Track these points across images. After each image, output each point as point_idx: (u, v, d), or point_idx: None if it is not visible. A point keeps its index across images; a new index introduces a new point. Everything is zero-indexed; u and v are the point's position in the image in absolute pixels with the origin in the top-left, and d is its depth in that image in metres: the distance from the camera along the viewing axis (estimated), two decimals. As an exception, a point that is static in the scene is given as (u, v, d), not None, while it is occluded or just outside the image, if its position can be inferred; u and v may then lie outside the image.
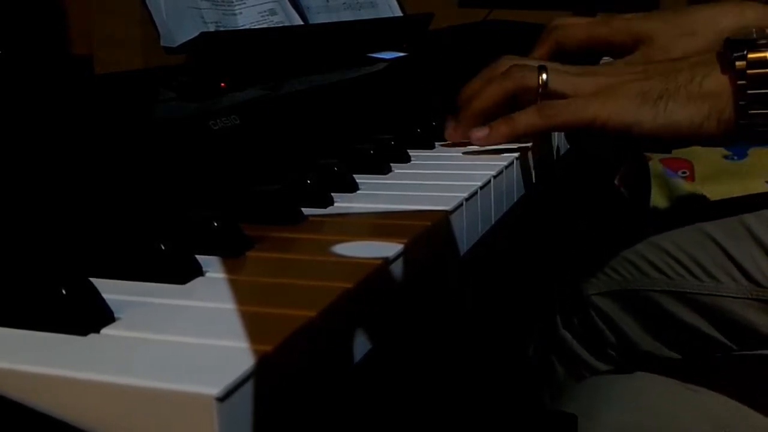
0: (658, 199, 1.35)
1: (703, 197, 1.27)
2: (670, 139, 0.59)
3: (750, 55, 0.54)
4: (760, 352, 0.68)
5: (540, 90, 0.61)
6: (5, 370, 0.27)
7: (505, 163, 0.58)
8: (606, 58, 0.85)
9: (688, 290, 0.70)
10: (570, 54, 0.81)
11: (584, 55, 0.79)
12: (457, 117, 0.65)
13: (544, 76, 0.61)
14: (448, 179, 0.55)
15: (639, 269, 0.73)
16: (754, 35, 0.56)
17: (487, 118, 0.64)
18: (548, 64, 0.63)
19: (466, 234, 0.50)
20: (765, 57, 0.54)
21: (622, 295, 0.74)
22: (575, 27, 0.79)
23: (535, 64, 0.63)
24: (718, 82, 0.56)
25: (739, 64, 0.55)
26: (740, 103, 0.55)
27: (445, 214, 0.46)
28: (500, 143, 0.62)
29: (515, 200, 0.62)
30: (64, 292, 0.30)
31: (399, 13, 1.05)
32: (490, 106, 0.63)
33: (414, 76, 0.81)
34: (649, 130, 0.57)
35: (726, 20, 0.76)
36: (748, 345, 0.68)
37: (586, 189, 1.11)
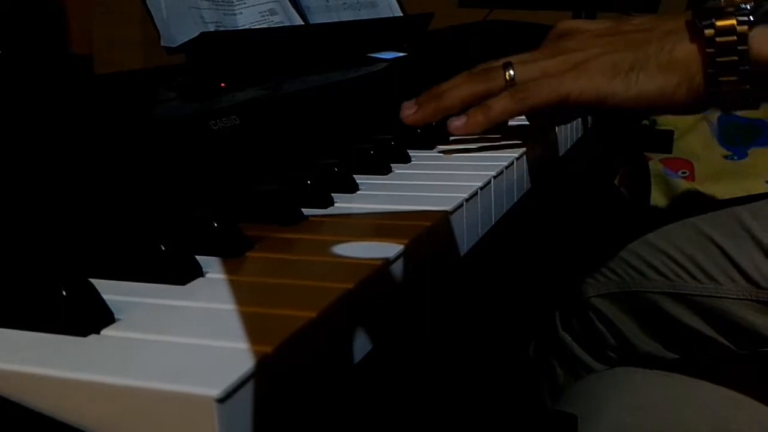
0: (657, 198, 1.35)
1: (702, 197, 1.27)
2: (644, 109, 0.59)
3: (718, 23, 0.54)
4: (760, 350, 0.68)
5: (508, 85, 0.61)
6: (5, 371, 0.27)
7: (505, 164, 0.58)
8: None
9: (687, 292, 0.70)
10: None
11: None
12: (419, 102, 0.64)
13: (511, 72, 0.61)
14: (448, 179, 0.55)
15: (638, 271, 0.73)
16: (722, 2, 0.56)
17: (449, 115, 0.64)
18: (513, 58, 0.63)
19: (466, 234, 0.50)
20: (733, 24, 0.54)
21: (622, 297, 0.74)
22: (584, 35, 0.79)
23: (500, 62, 0.63)
24: (687, 50, 0.56)
25: (707, 32, 0.55)
26: (709, 70, 0.55)
27: (446, 215, 0.46)
28: (477, 132, 0.62)
29: (515, 200, 0.62)
30: (64, 292, 0.30)
31: (399, 13, 1.05)
32: (456, 106, 0.62)
33: (414, 76, 0.81)
34: (622, 101, 0.57)
35: None
36: (748, 346, 0.68)
37: (586, 189, 1.11)
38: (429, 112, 0.63)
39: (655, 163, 1.43)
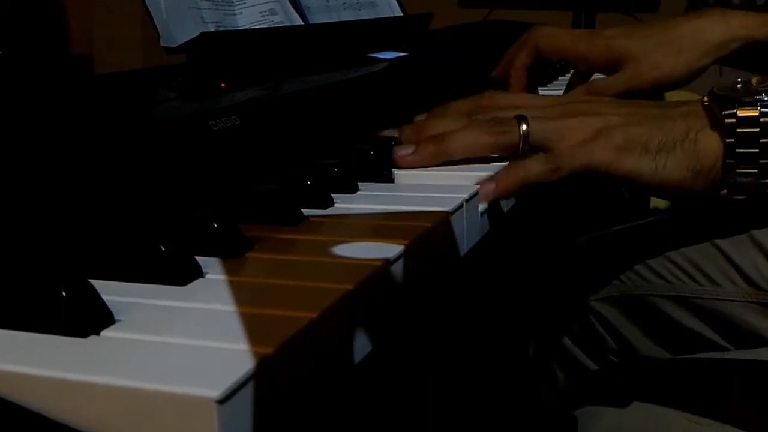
0: (658, 200, 1.35)
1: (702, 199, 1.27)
2: (662, 194, 0.58)
3: (740, 113, 0.53)
4: (755, 351, 0.68)
5: (521, 144, 0.57)
6: (5, 372, 0.27)
7: (506, 164, 0.58)
8: (597, 76, 0.84)
9: (688, 294, 0.69)
10: (546, 62, 0.81)
11: (559, 64, 0.79)
12: (410, 139, 0.60)
13: (524, 126, 0.57)
14: (448, 180, 0.55)
15: (638, 274, 0.73)
16: (739, 87, 0.55)
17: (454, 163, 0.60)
18: (528, 109, 0.60)
19: (466, 235, 0.49)
20: (755, 115, 0.53)
21: (622, 301, 0.74)
22: (556, 36, 0.79)
23: (512, 110, 0.59)
24: (710, 138, 0.55)
25: (729, 121, 0.53)
26: (728, 161, 0.54)
27: (446, 215, 0.46)
28: (509, 197, 0.57)
29: (515, 201, 0.61)
30: (64, 293, 0.30)
31: (399, 13, 1.05)
32: (459, 156, 0.58)
33: (414, 76, 0.81)
34: (646, 183, 0.56)
35: (712, 33, 0.76)
36: (749, 348, 0.68)
37: (586, 190, 1.11)
38: (430, 155, 0.58)
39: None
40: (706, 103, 0.56)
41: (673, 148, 0.55)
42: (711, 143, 0.55)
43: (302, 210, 0.46)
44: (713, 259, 0.69)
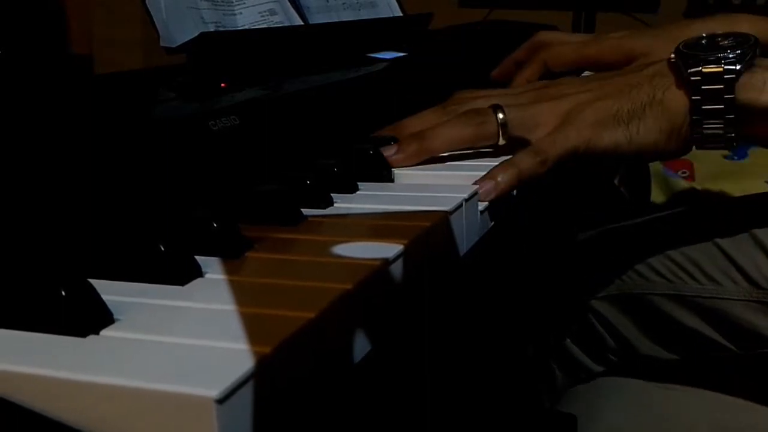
0: (658, 198, 1.35)
1: (702, 197, 1.27)
2: (642, 160, 0.59)
3: (704, 69, 0.54)
4: (760, 351, 0.68)
5: (500, 132, 0.59)
6: (5, 372, 0.27)
7: (500, 161, 0.58)
8: (586, 73, 0.85)
9: (687, 293, 0.70)
10: (557, 74, 0.81)
11: (571, 73, 0.80)
12: (400, 142, 0.60)
13: (501, 115, 0.58)
14: (447, 179, 0.55)
15: (638, 273, 0.73)
16: (704, 43, 0.56)
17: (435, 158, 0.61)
18: (500, 97, 0.61)
19: (465, 234, 0.49)
20: (720, 71, 0.54)
21: (622, 299, 0.74)
22: (564, 48, 0.80)
23: (485, 100, 0.60)
24: (675, 96, 0.56)
25: (693, 78, 0.55)
26: (694, 117, 0.55)
27: (445, 215, 0.46)
28: (507, 193, 0.57)
29: (515, 200, 0.61)
30: (63, 293, 0.30)
31: (399, 13, 1.05)
32: (442, 150, 0.59)
33: (414, 76, 0.81)
34: (625, 153, 0.58)
35: None
36: (750, 347, 0.68)
37: (586, 189, 1.11)
38: (412, 154, 0.58)
39: (656, 163, 1.43)
40: (673, 60, 0.57)
41: (643, 113, 0.57)
42: (678, 101, 0.56)
43: (302, 210, 0.46)
44: (714, 258, 0.69)
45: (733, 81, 0.54)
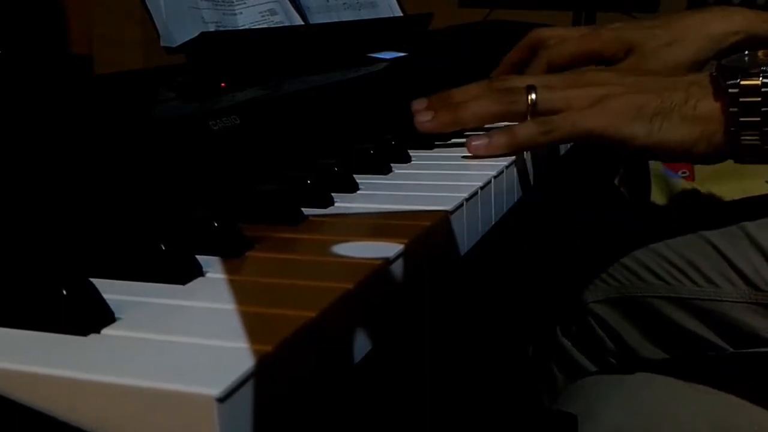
0: (658, 198, 1.35)
1: (702, 197, 1.27)
2: (662, 156, 0.60)
3: (743, 82, 0.55)
4: (757, 351, 0.68)
5: (529, 111, 0.61)
6: (5, 370, 0.27)
7: (506, 163, 0.58)
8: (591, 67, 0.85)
9: (686, 296, 0.70)
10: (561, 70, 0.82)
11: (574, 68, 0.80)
12: (434, 107, 0.64)
13: (533, 95, 0.61)
14: (448, 179, 0.55)
15: (637, 275, 0.73)
16: (746, 60, 0.56)
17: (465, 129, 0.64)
18: (536, 79, 0.63)
19: (466, 234, 0.50)
20: (757, 84, 0.55)
21: (621, 302, 0.74)
22: (565, 45, 0.80)
23: (522, 84, 0.62)
24: (711, 107, 0.57)
25: (732, 90, 0.55)
26: (731, 129, 0.56)
27: (446, 215, 0.46)
28: (497, 155, 0.61)
29: (516, 200, 0.62)
30: (64, 292, 0.30)
31: (399, 13, 1.05)
32: (472, 122, 0.63)
33: (414, 76, 0.81)
34: (642, 146, 0.58)
35: (715, 26, 0.76)
36: (748, 349, 0.68)
37: (586, 189, 1.11)
38: (445, 122, 0.63)
39: (656, 163, 1.43)
40: (714, 74, 0.58)
41: (670, 113, 0.57)
42: (712, 110, 0.57)
43: (302, 209, 0.46)
44: (712, 261, 0.69)
45: None
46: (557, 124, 0.59)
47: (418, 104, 0.65)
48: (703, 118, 0.57)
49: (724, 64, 0.57)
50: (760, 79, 0.55)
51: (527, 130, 0.60)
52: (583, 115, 0.59)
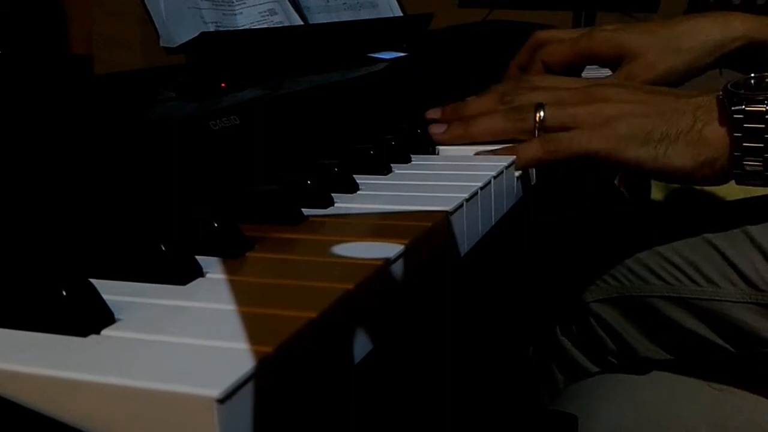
0: (657, 198, 1.35)
1: (702, 197, 1.27)
2: (665, 179, 0.61)
3: (747, 108, 0.55)
4: (758, 351, 0.68)
5: (537, 127, 0.62)
6: (5, 371, 0.27)
7: (506, 164, 0.58)
8: (590, 67, 0.86)
9: (687, 295, 0.70)
10: (556, 71, 0.82)
11: (569, 69, 0.81)
12: (447, 118, 0.67)
13: (541, 113, 0.62)
14: (448, 179, 0.55)
15: (637, 275, 0.73)
16: (752, 83, 0.57)
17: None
18: (547, 97, 0.64)
19: (466, 235, 0.49)
20: (761, 111, 0.55)
21: (621, 302, 0.74)
22: (559, 46, 0.80)
23: (539, 93, 0.64)
24: (716, 132, 0.57)
25: (737, 116, 0.56)
26: (735, 153, 0.56)
27: (446, 215, 0.46)
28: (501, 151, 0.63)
29: (516, 201, 0.61)
30: (64, 293, 0.30)
31: (399, 13, 1.05)
32: (483, 139, 0.65)
33: (414, 76, 0.81)
34: (647, 170, 0.59)
35: (712, 32, 0.77)
36: (748, 348, 0.68)
37: (586, 189, 1.11)
38: (456, 136, 0.66)
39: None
40: (720, 97, 0.58)
41: (676, 139, 0.58)
42: (717, 135, 0.57)
43: (302, 210, 0.46)
44: (712, 260, 0.69)
45: None
46: (563, 145, 0.60)
47: (433, 113, 0.68)
48: (709, 142, 0.57)
49: (729, 88, 0.57)
50: (765, 106, 0.55)
51: (531, 149, 0.61)
52: (589, 137, 0.60)
